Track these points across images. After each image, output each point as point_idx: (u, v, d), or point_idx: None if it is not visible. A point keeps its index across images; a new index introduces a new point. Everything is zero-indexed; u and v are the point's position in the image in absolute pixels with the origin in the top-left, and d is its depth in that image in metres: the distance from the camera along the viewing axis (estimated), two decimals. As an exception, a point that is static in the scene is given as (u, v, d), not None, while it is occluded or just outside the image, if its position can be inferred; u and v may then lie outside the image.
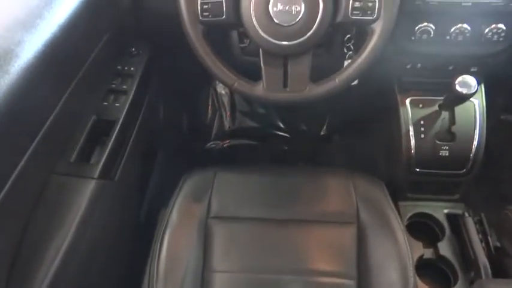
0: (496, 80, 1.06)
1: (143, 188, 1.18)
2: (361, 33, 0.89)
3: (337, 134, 1.56)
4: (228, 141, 1.55)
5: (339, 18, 0.76)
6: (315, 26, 0.74)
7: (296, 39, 0.75)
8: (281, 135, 1.55)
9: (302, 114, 1.56)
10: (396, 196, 1.08)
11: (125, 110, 0.93)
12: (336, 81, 0.80)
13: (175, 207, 0.91)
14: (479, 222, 1.06)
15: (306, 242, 0.87)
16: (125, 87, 0.97)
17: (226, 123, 1.56)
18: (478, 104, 1.05)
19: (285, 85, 0.80)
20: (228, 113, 1.56)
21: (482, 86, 1.06)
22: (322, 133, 1.57)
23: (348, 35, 0.99)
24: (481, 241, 1.02)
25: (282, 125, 1.55)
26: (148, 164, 1.23)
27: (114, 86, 0.98)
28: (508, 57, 0.98)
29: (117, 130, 0.90)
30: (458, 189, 1.10)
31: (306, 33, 0.74)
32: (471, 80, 0.91)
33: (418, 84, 1.06)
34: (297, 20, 0.74)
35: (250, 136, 1.54)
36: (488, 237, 1.02)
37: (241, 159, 1.51)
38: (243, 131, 1.54)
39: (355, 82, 0.86)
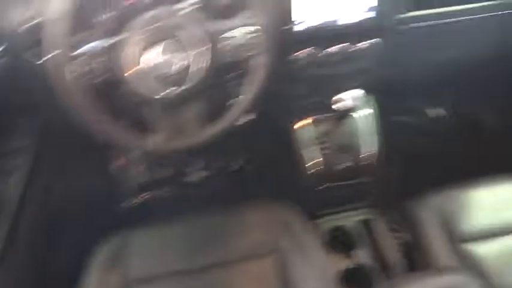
0: (384, 86, 1.16)
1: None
2: (246, 69, 0.92)
3: (251, 165, 1.59)
4: (141, 196, 1.50)
5: (220, 59, 0.77)
6: (196, 72, 0.74)
7: (180, 86, 0.74)
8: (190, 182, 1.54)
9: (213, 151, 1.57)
10: (312, 215, 1.12)
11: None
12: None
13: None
14: (391, 222, 1.12)
15: (231, 285, 0.86)
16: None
17: (137, 177, 1.52)
18: (371, 112, 1.13)
19: (180, 131, 0.80)
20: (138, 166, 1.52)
21: (371, 95, 1.16)
22: (237, 167, 1.59)
23: (237, 72, 1.02)
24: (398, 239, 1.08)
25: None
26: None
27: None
28: (387, 63, 1.08)
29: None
30: (368, 196, 1.17)
31: (190, 80, 0.75)
32: (356, 93, 0.99)
33: (313, 104, 1.10)
34: (179, 68, 0.74)
35: (163, 186, 1.51)
36: (400, 235, 1.09)
37: (157, 213, 1.46)
38: (155, 183, 1.50)
39: (253, 116, 0.89)
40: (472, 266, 0.96)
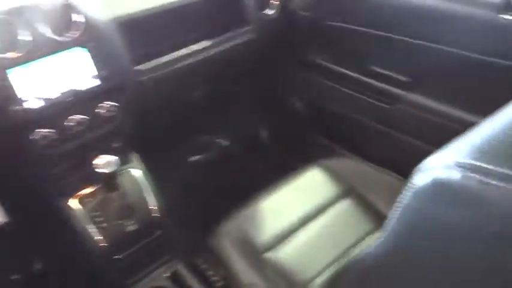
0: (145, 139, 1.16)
1: None
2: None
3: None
4: None
5: None
6: None
7: None
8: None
9: None
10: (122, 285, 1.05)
11: None
12: None
13: None
14: (200, 264, 1.12)
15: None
16: None
17: None
18: (137, 171, 1.12)
19: None
20: None
21: (134, 154, 1.14)
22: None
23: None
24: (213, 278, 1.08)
25: None
26: None
27: None
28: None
29: None
30: (164, 250, 1.14)
31: None
32: (111, 158, 0.95)
33: (78, 180, 1.04)
34: None
35: None
36: (213, 273, 1.09)
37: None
38: None
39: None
40: (274, 274, 1.01)
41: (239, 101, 1.77)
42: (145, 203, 1.08)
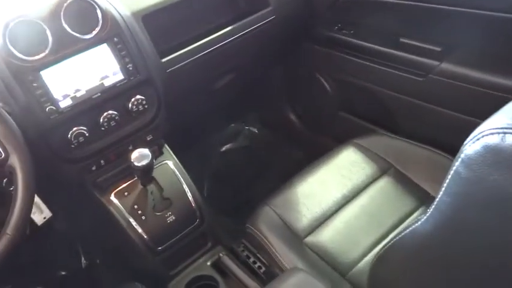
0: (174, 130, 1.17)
1: None
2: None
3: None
4: None
5: None
6: None
7: None
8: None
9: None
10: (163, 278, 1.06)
11: None
12: (9, 233, 0.71)
13: None
14: (239, 250, 1.12)
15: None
16: None
17: None
18: (172, 163, 1.12)
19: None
20: None
21: (166, 146, 1.15)
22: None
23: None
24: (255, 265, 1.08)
25: None
26: None
27: None
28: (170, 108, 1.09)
29: None
30: (205, 239, 1.14)
31: None
32: (145, 151, 0.96)
33: (114, 176, 1.06)
34: None
35: None
36: (255, 260, 1.09)
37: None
38: None
39: (48, 214, 0.79)
40: (317, 257, 1.00)
41: (265, 85, 1.75)
42: (182, 193, 1.09)
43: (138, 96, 1.00)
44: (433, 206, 0.52)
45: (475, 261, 0.50)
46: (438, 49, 1.13)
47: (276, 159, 1.77)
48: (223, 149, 1.81)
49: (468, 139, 0.43)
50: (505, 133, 0.40)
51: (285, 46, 1.51)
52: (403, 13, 1.19)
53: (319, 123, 1.67)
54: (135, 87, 1.00)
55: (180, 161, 1.15)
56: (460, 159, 0.44)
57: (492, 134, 0.41)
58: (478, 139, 0.42)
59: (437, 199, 0.50)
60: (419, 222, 0.57)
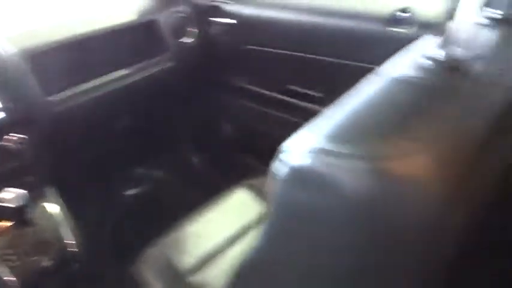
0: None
1: None
2: None
3: None
4: None
5: None
6: None
7: None
8: None
9: None
10: None
11: None
12: None
13: None
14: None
15: None
16: None
17: None
18: (52, 206, 1.07)
19: None
20: None
21: (52, 189, 1.11)
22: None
23: None
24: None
25: None
26: None
27: None
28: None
29: None
30: (88, 283, 1.09)
31: None
32: (17, 192, 0.92)
33: None
34: None
35: None
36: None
37: None
38: None
39: None
40: None
41: (169, 129, 1.77)
42: (61, 237, 1.04)
43: (15, 135, 0.97)
44: (264, 226, 0.54)
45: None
46: (319, 95, 1.23)
47: (175, 203, 1.75)
48: (127, 193, 1.76)
49: (276, 158, 0.47)
50: (304, 155, 0.44)
51: (187, 92, 1.55)
52: (290, 62, 1.29)
53: (220, 165, 1.70)
54: (13, 125, 0.97)
55: (70, 204, 1.10)
56: (273, 180, 0.48)
57: (294, 155, 0.45)
58: (285, 159, 0.46)
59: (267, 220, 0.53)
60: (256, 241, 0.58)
